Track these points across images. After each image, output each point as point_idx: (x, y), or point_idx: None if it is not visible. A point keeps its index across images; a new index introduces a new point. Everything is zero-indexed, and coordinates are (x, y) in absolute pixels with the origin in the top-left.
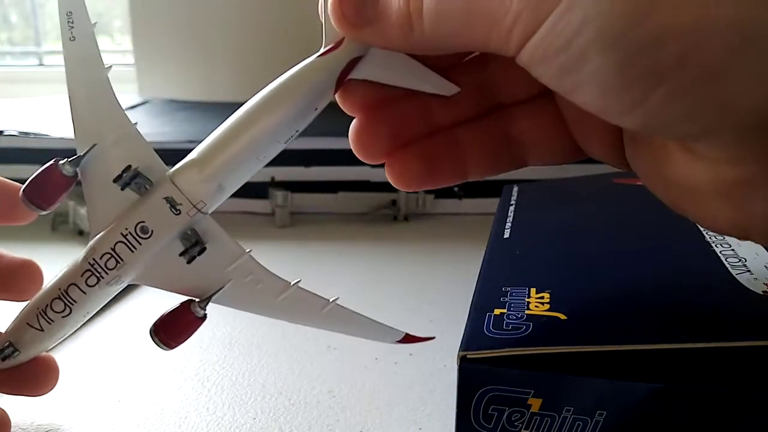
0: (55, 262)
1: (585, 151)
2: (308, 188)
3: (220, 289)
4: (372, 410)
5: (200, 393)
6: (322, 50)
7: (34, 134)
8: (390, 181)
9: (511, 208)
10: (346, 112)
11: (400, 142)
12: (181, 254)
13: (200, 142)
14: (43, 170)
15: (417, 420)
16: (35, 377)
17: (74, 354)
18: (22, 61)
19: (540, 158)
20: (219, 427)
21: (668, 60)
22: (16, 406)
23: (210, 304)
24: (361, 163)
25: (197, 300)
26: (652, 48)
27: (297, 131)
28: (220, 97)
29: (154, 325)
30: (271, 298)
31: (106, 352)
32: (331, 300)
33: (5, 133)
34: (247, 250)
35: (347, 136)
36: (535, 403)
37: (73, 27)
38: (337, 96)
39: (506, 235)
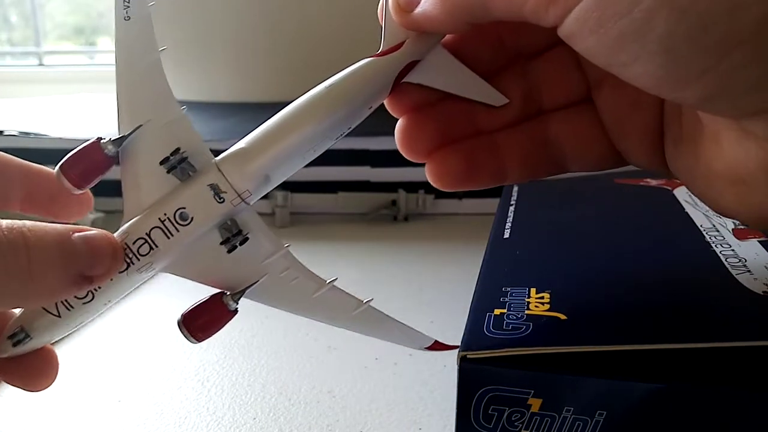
0: None
1: (623, 155)
2: (308, 188)
3: (255, 282)
4: (372, 410)
5: (200, 393)
6: (380, 50)
7: (34, 134)
8: (430, 180)
9: (511, 208)
10: (392, 113)
11: (443, 142)
12: (222, 243)
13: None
14: (84, 146)
15: (417, 420)
16: (34, 371)
17: (74, 353)
18: (22, 61)
19: (578, 164)
20: (219, 427)
21: (748, 25)
22: (17, 406)
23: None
24: (361, 163)
25: (229, 293)
26: (732, 11)
27: (349, 128)
28: (220, 97)
29: (183, 316)
30: (305, 295)
31: (106, 352)
32: (364, 301)
33: (5, 133)
34: (286, 245)
35: (347, 137)
36: (535, 403)
37: (129, 6)
38: (386, 99)
39: (506, 235)
